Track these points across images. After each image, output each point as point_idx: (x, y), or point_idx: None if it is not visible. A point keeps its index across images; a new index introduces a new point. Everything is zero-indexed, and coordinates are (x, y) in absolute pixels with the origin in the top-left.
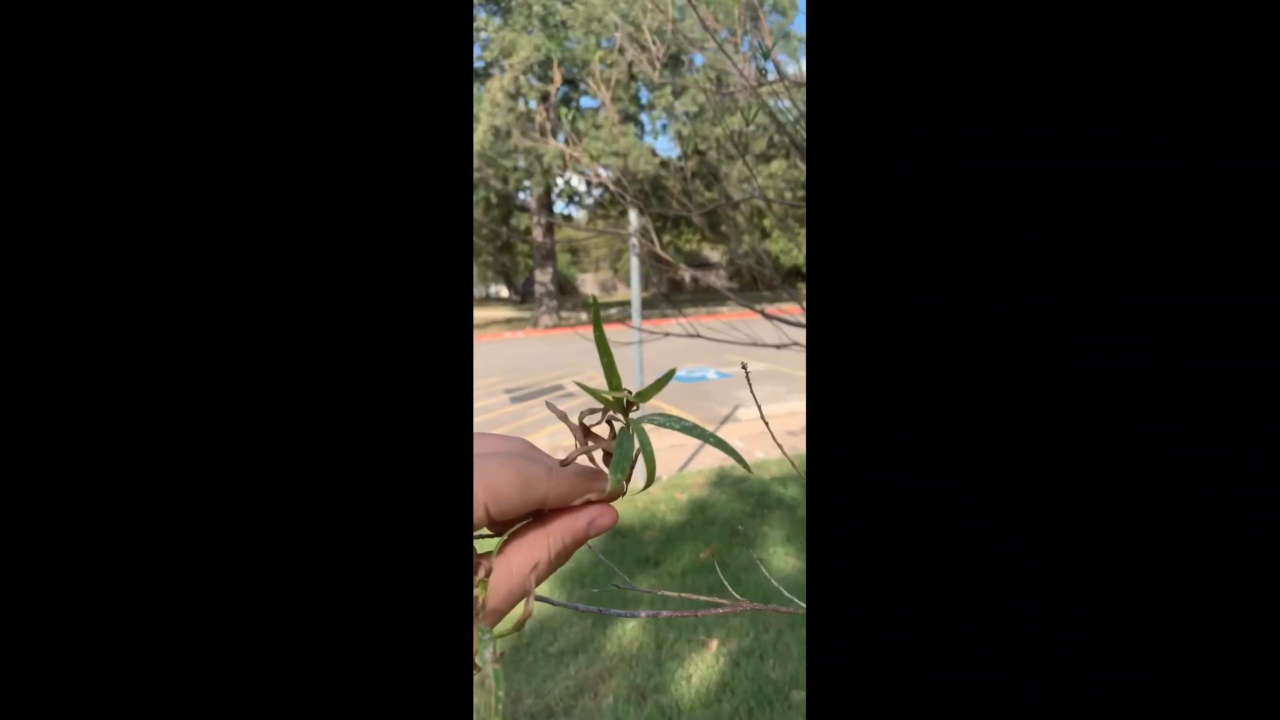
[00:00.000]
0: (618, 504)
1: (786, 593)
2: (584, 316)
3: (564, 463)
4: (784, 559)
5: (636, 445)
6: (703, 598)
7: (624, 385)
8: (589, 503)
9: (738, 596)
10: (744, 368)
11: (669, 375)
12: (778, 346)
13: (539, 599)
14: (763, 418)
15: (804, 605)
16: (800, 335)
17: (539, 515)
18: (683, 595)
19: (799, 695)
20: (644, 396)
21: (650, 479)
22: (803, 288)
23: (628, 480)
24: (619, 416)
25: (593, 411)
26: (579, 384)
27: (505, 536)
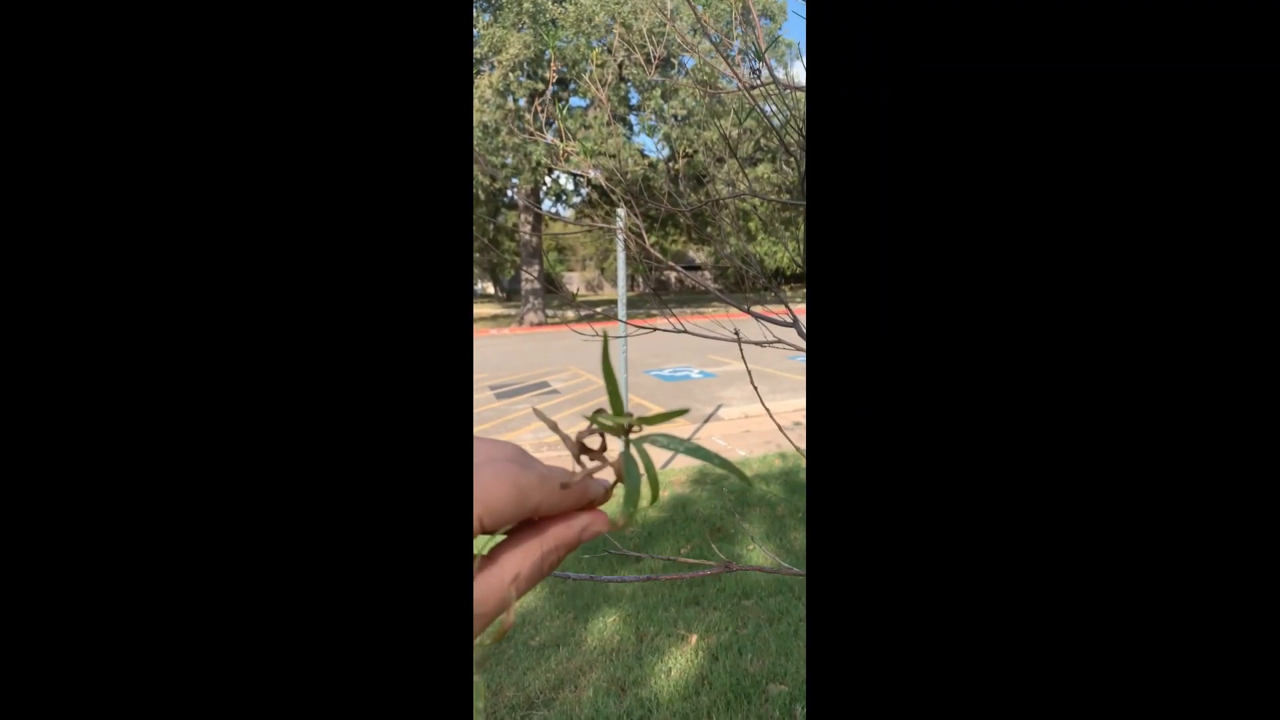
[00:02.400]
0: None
1: (763, 590)
2: (570, 315)
3: (564, 486)
4: (762, 555)
5: (642, 469)
6: (698, 560)
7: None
8: (581, 509)
9: (732, 564)
10: (736, 333)
11: (679, 411)
12: (761, 344)
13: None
14: (770, 414)
15: (791, 568)
16: (786, 335)
17: (530, 521)
18: (678, 559)
19: (776, 689)
20: (650, 422)
21: (655, 497)
22: (786, 289)
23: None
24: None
25: (590, 433)
26: (594, 419)
27: (495, 542)
